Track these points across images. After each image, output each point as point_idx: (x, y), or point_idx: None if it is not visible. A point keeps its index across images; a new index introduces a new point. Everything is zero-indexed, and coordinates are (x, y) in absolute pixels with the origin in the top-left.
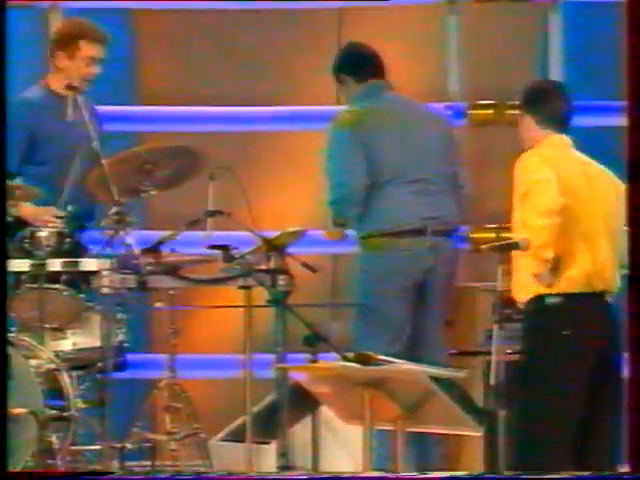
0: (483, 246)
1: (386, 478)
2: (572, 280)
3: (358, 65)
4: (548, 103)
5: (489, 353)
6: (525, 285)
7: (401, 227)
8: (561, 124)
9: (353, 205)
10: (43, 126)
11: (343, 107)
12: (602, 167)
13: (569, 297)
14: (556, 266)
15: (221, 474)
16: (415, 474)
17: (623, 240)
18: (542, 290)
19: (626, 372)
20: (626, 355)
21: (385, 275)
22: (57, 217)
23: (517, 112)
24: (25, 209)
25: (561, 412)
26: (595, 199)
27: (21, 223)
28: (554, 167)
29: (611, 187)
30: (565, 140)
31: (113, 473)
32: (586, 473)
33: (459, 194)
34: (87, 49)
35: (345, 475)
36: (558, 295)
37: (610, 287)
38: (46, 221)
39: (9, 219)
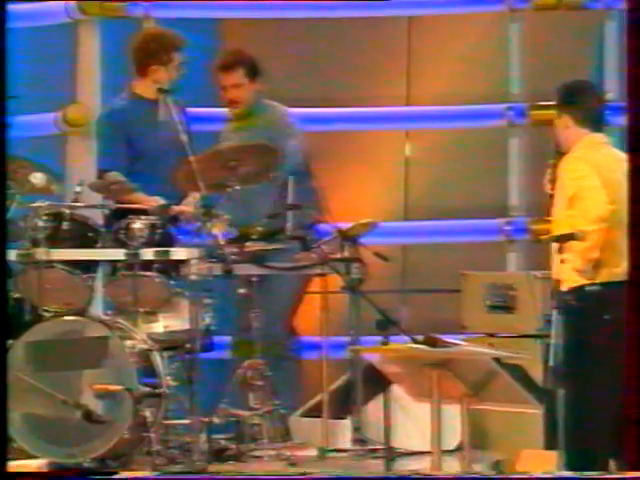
0: (543, 236)
1: (390, 478)
2: (612, 274)
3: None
4: (585, 103)
5: (548, 336)
6: (568, 276)
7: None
8: (597, 123)
9: None
10: (134, 128)
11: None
12: None
13: (607, 285)
14: (599, 263)
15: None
16: (419, 474)
17: None
18: (583, 281)
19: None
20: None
21: None
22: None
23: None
24: (133, 197)
25: (606, 390)
26: None
27: (118, 215)
28: (600, 171)
29: None
30: (602, 138)
31: (115, 473)
32: (590, 473)
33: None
34: (178, 58)
35: (348, 476)
36: (598, 284)
37: None
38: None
39: (106, 212)
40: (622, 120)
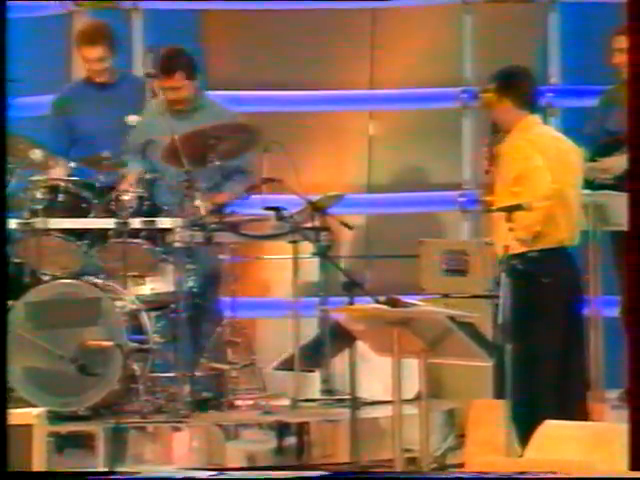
0: (493, 207)
1: (388, 477)
2: (550, 242)
3: None
4: (523, 87)
5: (497, 297)
6: (508, 243)
7: None
8: (533, 105)
9: None
10: (76, 110)
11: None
12: (567, 139)
13: (545, 252)
14: (538, 234)
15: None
16: (417, 474)
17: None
18: (523, 248)
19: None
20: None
21: None
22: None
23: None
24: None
25: (546, 346)
26: (568, 171)
27: (108, 189)
28: (541, 152)
29: (576, 158)
30: (537, 119)
31: (116, 473)
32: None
33: None
34: (82, 51)
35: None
36: (536, 251)
37: (574, 242)
38: None
39: (98, 185)
40: (563, 102)
